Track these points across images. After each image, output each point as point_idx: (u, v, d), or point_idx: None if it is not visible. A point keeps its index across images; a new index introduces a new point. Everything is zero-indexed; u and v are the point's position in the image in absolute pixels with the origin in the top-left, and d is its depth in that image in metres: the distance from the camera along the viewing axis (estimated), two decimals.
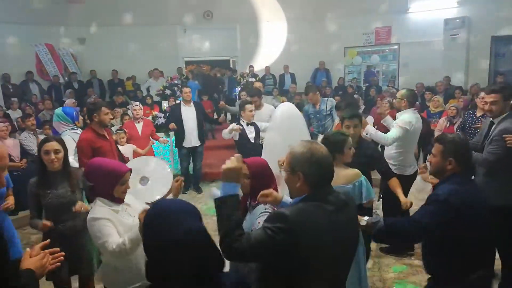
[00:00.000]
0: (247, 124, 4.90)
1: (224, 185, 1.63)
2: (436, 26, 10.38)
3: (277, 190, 2.20)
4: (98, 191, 2.19)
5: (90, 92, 10.26)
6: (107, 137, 3.89)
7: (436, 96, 7.41)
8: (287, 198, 1.96)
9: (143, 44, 11.21)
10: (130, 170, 2.29)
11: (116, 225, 2.14)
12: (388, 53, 11.83)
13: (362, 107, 8.67)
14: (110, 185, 2.18)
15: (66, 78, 11.06)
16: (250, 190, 2.21)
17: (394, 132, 3.80)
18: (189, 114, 6.13)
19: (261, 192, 2.04)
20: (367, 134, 3.91)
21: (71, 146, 4.07)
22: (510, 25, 9.44)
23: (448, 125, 6.04)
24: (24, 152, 5.37)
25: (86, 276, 2.89)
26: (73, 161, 3.85)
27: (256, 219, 2.05)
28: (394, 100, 4.37)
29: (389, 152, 4.03)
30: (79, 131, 4.34)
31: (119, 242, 2.04)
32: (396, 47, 11.56)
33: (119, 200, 2.24)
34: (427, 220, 1.96)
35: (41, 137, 5.75)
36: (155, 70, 10.95)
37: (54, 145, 2.71)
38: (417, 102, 8.00)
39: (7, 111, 8.36)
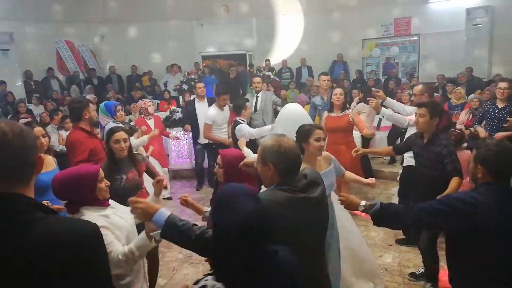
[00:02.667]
0: (247, 123, 4.85)
1: (154, 219, 1.77)
2: (458, 15, 10.10)
3: (249, 178, 2.46)
4: (81, 200, 2.05)
5: (109, 88, 10.42)
6: (95, 135, 3.87)
7: (458, 87, 7.23)
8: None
9: (160, 39, 11.30)
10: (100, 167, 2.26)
11: (112, 230, 2.04)
12: (408, 45, 11.59)
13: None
14: (90, 188, 2.06)
15: (86, 74, 11.26)
16: (224, 178, 2.51)
17: (413, 116, 3.87)
18: (202, 110, 6.04)
19: (244, 161, 2.36)
20: (383, 116, 4.06)
21: None
22: None
23: (470, 117, 5.89)
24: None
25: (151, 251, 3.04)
26: None
27: None
28: (412, 97, 4.35)
29: None
30: (120, 125, 4.50)
31: (125, 251, 1.96)
32: (416, 38, 11.30)
33: (105, 203, 2.15)
34: (426, 216, 1.94)
35: (62, 132, 5.90)
36: (173, 66, 11.03)
37: (123, 134, 2.98)
38: (437, 94, 7.84)
39: (29, 107, 8.57)
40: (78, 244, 1.10)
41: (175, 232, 1.71)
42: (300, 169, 1.89)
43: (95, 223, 1.20)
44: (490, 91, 7.21)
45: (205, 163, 6.39)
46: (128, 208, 2.18)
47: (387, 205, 2.08)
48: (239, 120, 4.77)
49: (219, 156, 2.60)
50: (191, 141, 6.59)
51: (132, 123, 6.14)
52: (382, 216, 2.05)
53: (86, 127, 3.59)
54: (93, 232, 1.16)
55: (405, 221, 2.05)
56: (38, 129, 3.07)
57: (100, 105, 4.62)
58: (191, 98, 7.00)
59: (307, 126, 2.75)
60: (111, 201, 2.21)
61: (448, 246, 2.09)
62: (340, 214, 2.89)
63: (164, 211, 1.78)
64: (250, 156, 3.48)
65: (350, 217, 3.25)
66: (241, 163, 2.40)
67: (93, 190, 2.06)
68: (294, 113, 3.54)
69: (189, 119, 6.17)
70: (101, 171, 2.13)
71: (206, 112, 5.95)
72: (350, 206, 2.24)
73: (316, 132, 2.68)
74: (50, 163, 3.18)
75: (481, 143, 2.03)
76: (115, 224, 2.07)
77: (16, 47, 10.27)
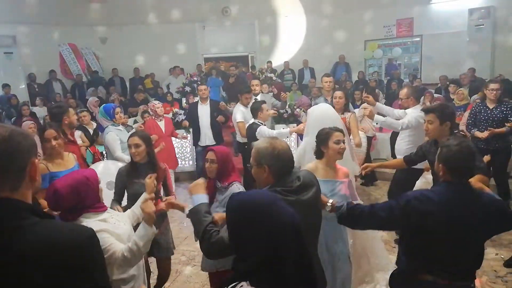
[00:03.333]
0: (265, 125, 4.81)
1: (194, 197, 1.95)
2: (460, 16, 10.08)
3: (237, 174, 2.67)
4: (85, 205, 2.00)
5: (112, 90, 10.46)
6: (73, 141, 3.89)
7: (460, 88, 7.22)
8: None
9: (162, 42, 11.33)
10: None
11: (111, 232, 2.00)
12: (410, 46, 11.57)
13: (383, 101, 8.52)
14: (96, 191, 2.06)
15: (89, 77, 11.31)
16: (217, 173, 2.62)
17: (407, 119, 3.99)
18: (204, 113, 6.04)
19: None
20: (376, 123, 4.04)
21: (117, 142, 4.32)
22: None
23: None
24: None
25: (164, 259, 3.17)
26: (122, 156, 4.18)
27: None
28: (402, 100, 4.39)
29: (401, 148, 4.20)
30: (121, 127, 4.54)
31: (129, 246, 1.94)
32: (418, 39, 11.29)
33: (104, 207, 2.12)
34: (383, 214, 2.00)
35: None
36: (176, 68, 11.06)
37: (134, 139, 2.99)
38: (439, 95, 7.83)
39: (33, 110, 8.61)
40: (74, 249, 1.09)
41: (196, 218, 1.86)
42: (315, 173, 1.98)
43: (91, 228, 1.20)
44: (482, 92, 7.22)
45: None
46: (124, 213, 2.22)
47: (353, 207, 2.11)
48: (258, 123, 4.72)
49: (210, 153, 2.65)
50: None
51: (135, 125, 6.18)
52: (347, 217, 2.10)
53: (66, 131, 3.62)
54: (90, 237, 1.15)
55: (368, 223, 2.10)
56: (49, 132, 3.13)
57: (100, 108, 4.64)
58: (195, 100, 7.01)
59: (326, 129, 2.71)
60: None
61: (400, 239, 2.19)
62: None
63: (204, 198, 1.95)
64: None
65: None
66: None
67: (98, 192, 2.07)
68: (326, 113, 3.49)
69: (192, 121, 6.17)
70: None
71: (205, 114, 5.99)
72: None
73: (335, 134, 2.65)
74: (69, 161, 3.26)
75: (443, 143, 2.05)
76: (116, 228, 2.05)
77: (20, 50, 10.33)
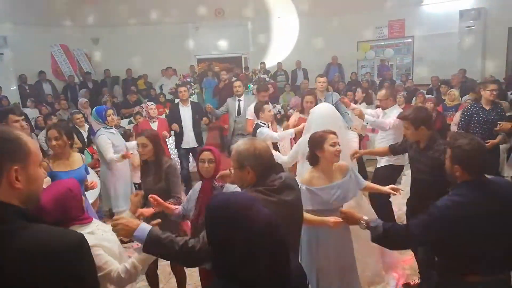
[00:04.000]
0: (268, 126, 4.75)
1: (137, 234, 1.75)
2: (451, 18, 10.18)
3: None
4: (72, 218, 1.95)
5: (105, 92, 10.39)
6: None
7: (452, 89, 7.29)
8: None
9: (155, 43, 11.29)
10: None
11: (104, 249, 1.94)
12: (402, 47, 11.65)
13: (376, 102, 8.57)
14: (80, 202, 2.00)
15: (81, 78, 11.23)
16: (215, 172, 2.60)
17: (392, 119, 4.19)
18: (186, 115, 6.03)
19: (221, 173, 2.50)
20: (367, 123, 4.17)
21: (108, 144, 4.38)
22: None
23: None
24: (42, 152, 5.46)
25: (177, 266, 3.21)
26: (114, 158, 4.35)
27: None
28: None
29: (383, 145, 4.30)
30: (113, 130, 4.52)
31: (127, 268, 1.89)
32: (410, 40, 11.37)
33: (90, 218, 2.06)
34: (418, 232, 1.96)
35: None
36: (168, 69, 11.02)
37: (141, 139, 3.10)
38: (430, 96, 7.89)
39: (24, 111, 8.52)
40: (62, 254, 1.06)
41: (159, 245, 1.71)
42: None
43: (80, 233, 1.17)
44: (477, 92, 7.28)
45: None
46: (109, 225, 2.19)
47: (390, 227, 2.05)
48: (260, 123, 4.68)
49: (206, 153, 2.62)
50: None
51: (128, 126, 6.15)
52: (384, 238, 2.04)
53: None
54: (79, 242, 1.12)
55: (407, 243, 2.07)
56: (51, 132, 3.26)
57: (92, 110, 4.62)
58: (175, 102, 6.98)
59: (319, 133, 2.66)
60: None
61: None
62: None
63: (145, 226, 1.76)
64: (280, 158, 3.53)
65: (370, 212, 3.30)
66: (218, 175, 2.58)
67: (81, 203, 2.01)
68: (327, 113, 3.51)
69: (175, 122, 6.04)
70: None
71: (188, 116, 5.99)
72: (350, 221, 2.22)
73: (330, 137, 2.60)
74: (75, 162, 3.37)
75: (454, 143, 2.03)
76: (104, 239, 1.99)
77: (11, 51, 10.22)
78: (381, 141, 4.41)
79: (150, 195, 2.63)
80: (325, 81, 5.63)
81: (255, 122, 4.79)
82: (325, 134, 2.62)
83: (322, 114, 3.47)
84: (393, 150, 3.68)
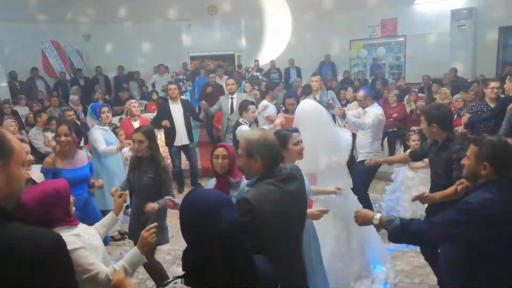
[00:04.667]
0: (249, 125, 4.88)
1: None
2: (443, 17, 10.25)
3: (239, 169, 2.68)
4: (55, 220, 1.89)
5: (97, 88, 10.30)
6: None
7: (443, 88, 7.35)
8: None
9: (148, 40, 11.22)
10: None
11: (91, 251, 1.92)
12: (394, 46, 11.72)
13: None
14: (66, 204, 1.96)
15: (72, 75, 11.13)
16: (228, 169, 2.63)
17: (369, 119, 4.38)
18: (177, 112, 6.01)
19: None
20: (347, 122, 4.57)
21: (101, 137, 4.40)
22: None
23: (455, 117, 5.99)
24: (32, 149, 5.40)
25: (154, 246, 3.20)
26: (106, 149, 4.40)
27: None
28: (360, 102, 4.64)
29: (364, 142, 4.51)
30: (107, 127, 4.48)
31: (117, 270, 1.86)
32: (402, 39, 11.44)
33: (75, 220, 2.02)
34: (446, 229, 1.85)
35: (47, 134, 5.81)
36: (160, 66, 10.97)
37: (138, 136, 3.12)
38: (422, 94, 7.96)
39: (14, 108, 8.42)
40: (33, 254, 1.03)
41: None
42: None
43: (57, 233, 1.15)
44: (475, 90, 7.36)
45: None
46: (92, 228, 2.16)
47: (409, 222, 1.93)
48: (241, 122, 4.81)
49: (221, 149, 2.65)
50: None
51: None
52: (402, 233, 1.92)
53: None
54: (55, 241, 1.10)
55: (429, 238, 1.93)
56: (62, 127, 3.23)
57: (88, 107, 4.61)
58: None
59: (283, 132, 2.64)
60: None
61: (461, 256, 2.00)
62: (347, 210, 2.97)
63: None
64: None
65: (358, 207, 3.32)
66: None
67: (68, 206, 1.97)
68: (312, 110, 3.50)
69: (163, 120, 6.00)
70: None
71: (179, 114, 5.96)
72: (364, 220, 2.11)
73: (293, 135, 2.58)
74: (80, 160, 3.35)
75: (481, 140, 1.94)
76: (90, 243, 1.95)
77: (1, 47, 10.09)
78: (362, 138, 4.56)
79: (166, 198, 2.79)
80: (318, 80, 5.69)
81: (237, 120, 4.89)
82: (289, 133, 2.60)
83: (307, 112, 3.50)
84: (413, 156, 3.50)
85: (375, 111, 4.45)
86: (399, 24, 11.26)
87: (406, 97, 7.78)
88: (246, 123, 4.84)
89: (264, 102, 6.06)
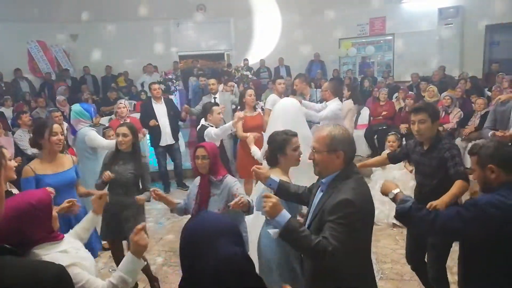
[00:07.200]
0: (216, 128, 4.53)
1: (279, 218, 1.75)
2: (430, 15, 10.36)
3: (224, 168, 2.85)
4: (35, 239, 1.64)
5: (85, 89, 10.18)
6: None
7: (431, 86, 7.42)
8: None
9: (136, 39, 11.11)
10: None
11: (81, 267, 1.73)
12: (383, 44, 11.79)
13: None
14: (47, 220, 1.69)
15: (56, 75, 10.97)
16: (209, 168, 2.72)
17: (326, 112, 4.56)
18: (160, 112, 5.96)
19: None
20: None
21: (98, 135, 4.28)
22: (505, 14, 9.41)
23: (443, 115, 6.06)
24: (18, 151, 5.32)
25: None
26: (109, 143, 4.13)
27: (232, 188, 2.69)
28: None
29: None
30: (96, 129, 4.37)
31: (113, 283, 1.72)
32: (390, 37, 11.51)
33: (60, 235, 1.79)
34: (451, 224, 1.84)
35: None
36: (148, 65, 10.88)
37: (123, 129, 3.20)
38: (410, 92, 8.02)
39: (0, 110, 8.28)
40: None
41: (295, 235, 1.73)
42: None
43: (60, 264, 1.06)
44: (461, 88, 7.45)
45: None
46: (70, 235, 2.04)
47: (418, 208, 1.93)
48: (206, 125, 4.51)
49: (200, 149, 2.75)
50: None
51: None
52: (408, 215, 1.94)
53: None
54: (59, 275, 1.01)
55: (429, 229, 1.94)
56: (57, 126, 3.11)
57: (73, 107, 4.37)
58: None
59: (282, 135, 2.49)
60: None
61: (465, 256, 2.02)
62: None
63: (286, 214, 1.77)
64: (257, 154, 3.55)
65: None
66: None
67: (50, 222, 1.70)
68: (289, 108, 3.49)
69: (149, 120, 5.91)
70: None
71: (163, 113, 5.92)
72: (384, 190, 2.11)
73: (293, 140, 2.46)
74: (64, 163, 3.11)
75: (475, 148, 1.95)
76: (78, 256, 1.77)
77: None
78: None
79: (153, 189, 2.85)
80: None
81: (201, 124, 4.60)
82: (289, 137, 2.47)
83: (286, 109, 3.49)
84: (393, 158, 3.30)
85: (333, 105, 4.64)
86: (388, 23, 11.33)
87: (395, 95, 7.83)
88: (212, 126, 4.50)
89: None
